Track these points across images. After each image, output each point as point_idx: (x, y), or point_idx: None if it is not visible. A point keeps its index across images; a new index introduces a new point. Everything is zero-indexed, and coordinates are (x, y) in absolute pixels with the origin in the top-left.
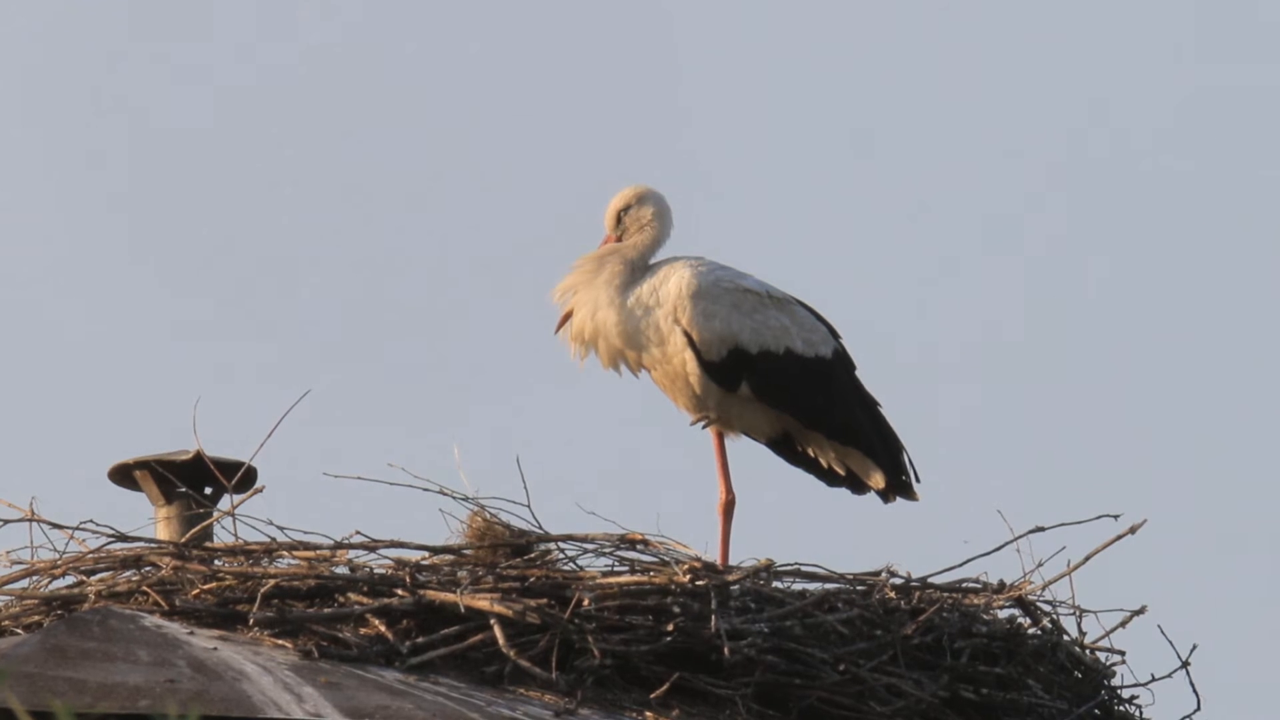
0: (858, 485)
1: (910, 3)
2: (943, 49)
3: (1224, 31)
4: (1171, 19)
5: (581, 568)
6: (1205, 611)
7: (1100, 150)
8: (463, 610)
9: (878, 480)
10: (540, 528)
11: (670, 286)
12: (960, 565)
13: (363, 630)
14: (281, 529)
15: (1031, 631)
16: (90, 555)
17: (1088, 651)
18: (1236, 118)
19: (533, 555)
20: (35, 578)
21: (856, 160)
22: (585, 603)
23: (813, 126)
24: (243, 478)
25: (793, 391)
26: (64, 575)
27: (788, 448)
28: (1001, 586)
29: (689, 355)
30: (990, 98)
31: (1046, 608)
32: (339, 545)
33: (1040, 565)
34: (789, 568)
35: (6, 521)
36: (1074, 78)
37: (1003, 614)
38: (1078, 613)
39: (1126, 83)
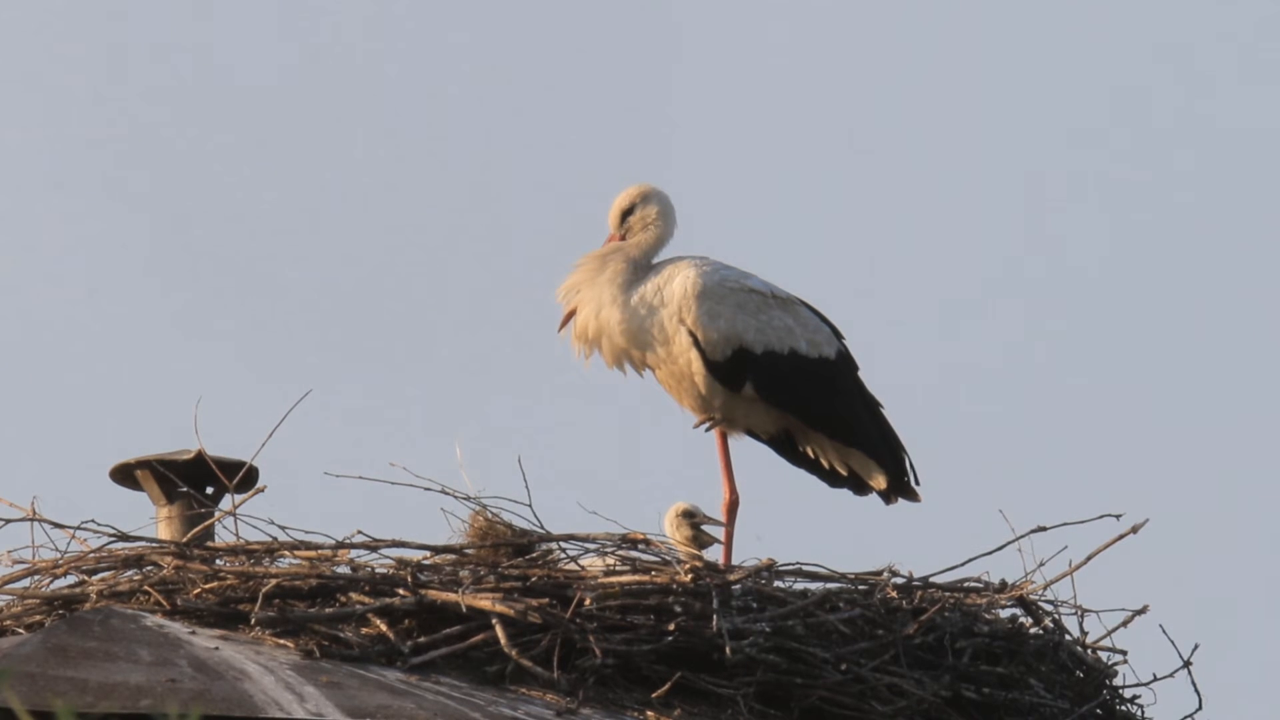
0: (860, 486)
1: (910, 1)
2: (942, 47)
3: (1224, 32)
4: (1171, 21)
5: (583, 567)
6: (1207, 611)
7: (1100, 151)
8: (464, 610)
9: (880, 481)
10: (542, 527)
11: (675, 286)
12: (962, 565)
13: (364, 630)
14: (283, 528)
15: (1033, 631)
16: (92, 555)
17: (1089, 651)
18: (1237, 119)
19: (534, 555)
20: (37, 577)
21: (856, 159)
22: (587, 602)
23: (812, 125)
24: (244, 477)
25: (797, 392)
26: (65, 575)
27: (789, 448)
28: (1003, 586)
29: (694, 355)
30: (991, 96)
31: (1048, 607)
32: (340, 545)
33: (1042, 565)
34: (790, 567)
35: (8, 521)
36: (1076, 77)
37: (1004, 613)
38: (1079, 612)
39: (1127, 83)
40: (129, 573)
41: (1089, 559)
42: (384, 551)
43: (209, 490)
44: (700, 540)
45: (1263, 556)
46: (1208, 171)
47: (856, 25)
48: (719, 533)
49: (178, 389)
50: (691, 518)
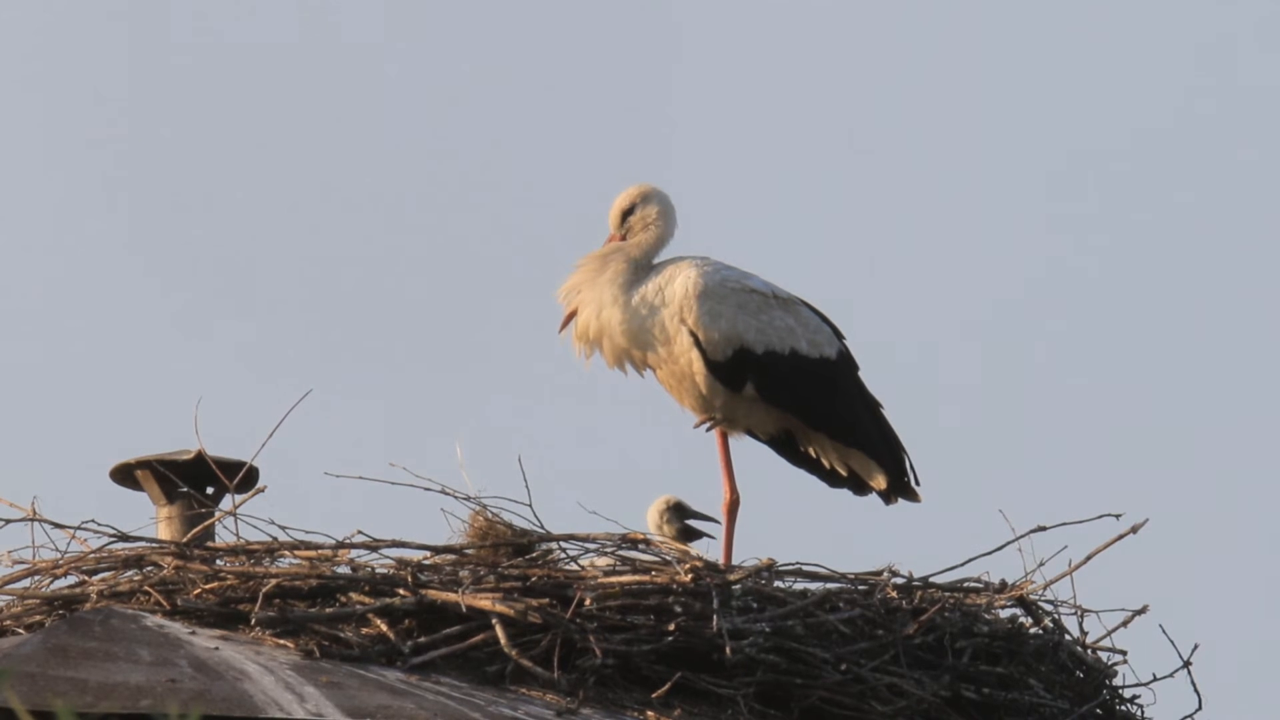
0: (860, 486)
1: (910, 2)
2: (942, 47)
3: (1224, 31)
4: (1172, 20)
5: (584, 567)
6: (1206, 611)
7: (1098, 151)
8: (464, 610)
9: (880, 481)
10: (542, 527)
11: (676, 286)
12: (962, 565)
13: (364, 630)
14: (283, 528)
15: (1033, 631)
16: (92, 555)
17: (1089, 651)
18: (1237, 119)
19: (534, 555)
20: (37, 577)
21: (856, 158)
22: (587, 602)
23: (812, 125)
24: (244, 477)
25: (798, 392)
26: (66, 575)
27: (790, 448)
28: (1003, 586)
29: (695, 355)
30: (990, 96)
31: (1048, 607)
32: (340, 545)
33: (1042, 565)
34: (790, 567)
35: (8, 521)
36: (1074, 77)
37: (1004, 613)
38: (1079, 612)
39: (1125, 83)
40: (129, 573)
41: (1089, 559)
42: (384, 551)
43: (209, 490)
44: (688, 534)
45: (1263, 556)
46: (1208, 171)
47: (856, 25)
48: (708, 528)
49: (178, 389)
50: (680, 512)
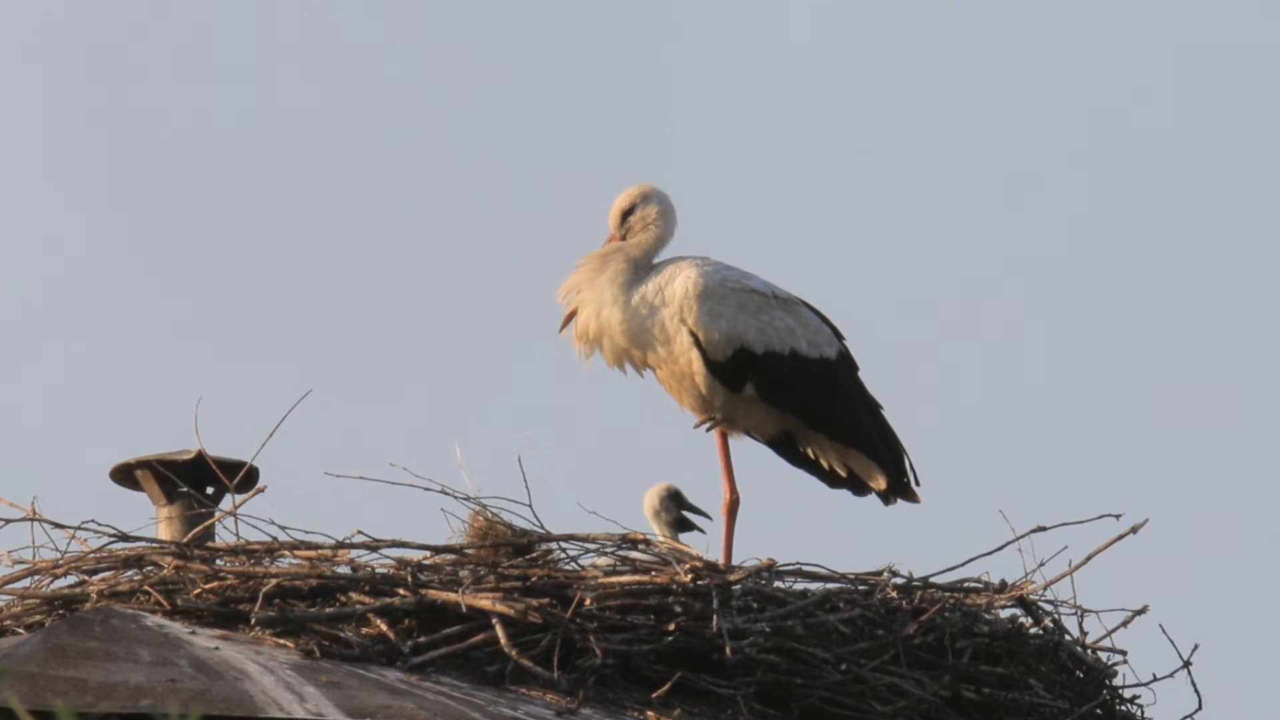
0: (859, 487)
1: (910, 2)
2: (943, 47)
3: (1225, 33)
4: (1173, 21)
5: (583, 567)
6: (1207, 611)
7: (1099, 151)
8: (464, 610)
9: (879, 482)
10: (542, 527)
11: (676, 286)
12: (962, 565)
13: (364, 630)
14: (283, 528)
15: (1033, 631)
16: (92, 555)
17: (1089, 651)
18: (1239, 121)
19: (534, 555)
20: (37, 577)
21: (856, 159)
22: (587, 602)
23: (812, 125)
24: (244, 477)
25: (797, 393)
26: (66, 575)
27: (789, 449)
28: (1003, 586)
29: (695, 355)
30: (990, 98)
31: (1048, 607)
32: (340, 545)
33: (1042, 565)
34: (790, 567)
35: (9, 521)
36: (1075, 78)
37: (1004, 614)
38: (1079, 612)
39: (1126, 83)
40: (129, 573)
41: (1089, 559)
42: (384, 551)
43: (209, 490)
44: (683, 525)
45: (1263, 556)
46: (1211, 173)
47: (856, 25)
48: (702, 522)
49: (178, 389)
50: (678, 500)
